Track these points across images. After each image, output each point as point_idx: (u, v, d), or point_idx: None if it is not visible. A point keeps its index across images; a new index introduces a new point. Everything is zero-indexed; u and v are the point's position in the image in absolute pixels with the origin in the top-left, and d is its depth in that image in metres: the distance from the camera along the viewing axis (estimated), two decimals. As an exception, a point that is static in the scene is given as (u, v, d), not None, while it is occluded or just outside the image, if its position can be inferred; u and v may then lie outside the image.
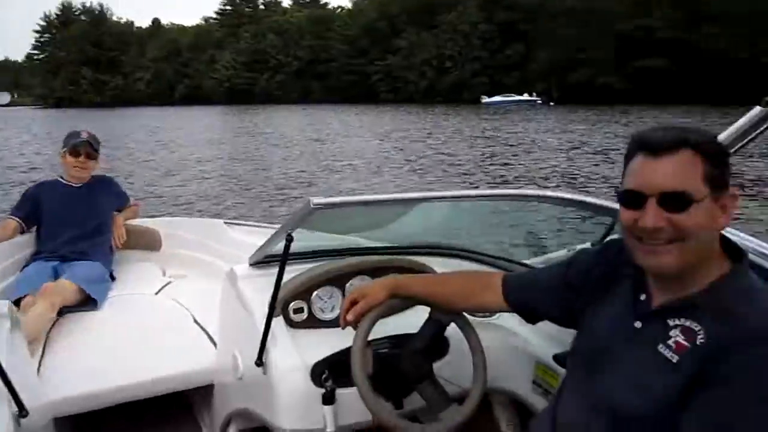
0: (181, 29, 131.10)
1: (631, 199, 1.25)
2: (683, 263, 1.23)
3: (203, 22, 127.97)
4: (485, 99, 68.00)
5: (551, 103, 64.25)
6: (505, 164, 18.38)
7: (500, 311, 1.82)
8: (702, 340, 1.20)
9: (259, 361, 1.90)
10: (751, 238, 1.44)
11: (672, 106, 48.48)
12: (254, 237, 3.41)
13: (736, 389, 1.12)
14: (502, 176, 16.12)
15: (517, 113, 48.46)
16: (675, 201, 1.20)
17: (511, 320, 2.15)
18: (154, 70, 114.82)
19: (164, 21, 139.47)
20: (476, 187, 13.68)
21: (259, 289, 2.08)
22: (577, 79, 66.45)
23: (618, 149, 22.33)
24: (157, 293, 3.55)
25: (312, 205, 1.84)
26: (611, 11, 64.19)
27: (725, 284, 1.25)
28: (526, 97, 67.15)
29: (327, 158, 20.44)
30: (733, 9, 52.00)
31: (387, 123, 39.91)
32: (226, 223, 4.22)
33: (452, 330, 1.86)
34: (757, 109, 1.38)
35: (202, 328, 2.96)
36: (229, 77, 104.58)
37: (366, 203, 2.22)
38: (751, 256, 1.33)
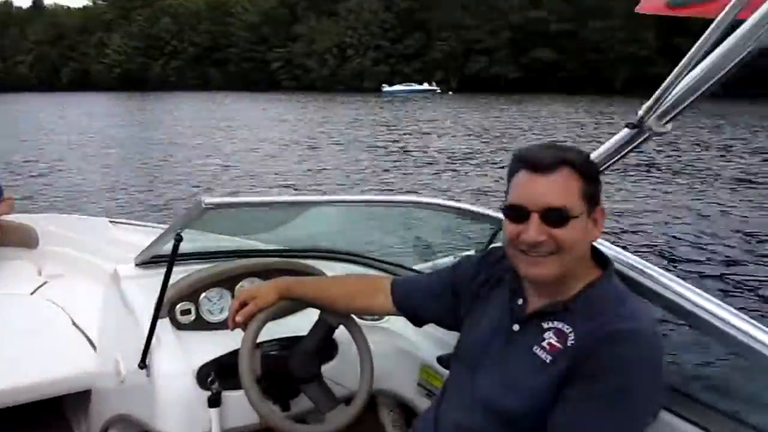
0: (67, 11, 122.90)
1: (515, 213, 1.32)
2: (560, 273, 1.31)
3: (91, 4, 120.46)
4: (386, 87, 68.69)
5: (450, 92, 65.91)
6: (405, 150, 18.68)
7: (388, 314, 1.85)
8: (572, 341, 1.28)
9: (143, 364, 1.83)
10: (616, 248, 1.54)
11: (561, 95, 51.05)
12: (141, 237, 3.25)
13: (599, 384, 1.21)
14: (399, 161, 16.35)
15: (417, 102, 49.30)
16: (556, 217, 1.27)
17: (398, 323, 2.17)
18: (37, 53, 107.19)
19: (47, 1, 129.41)
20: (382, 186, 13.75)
21: (144, 290, 2.00)
22: (474, 69, 68.52)
23: (512, 134, 23.30)
24: (32, 293, 3.31)
25: (203, 205, 1.78)
26: (506, 2, 66.50)
27: (594, 289, 1.33)
28: (426, 86, 68.45)
29: (225, 147, 19.86)
30: (617, 6, 55.29)
31: (288, 111, 39.41)
32: (111, 221, 4.02)
33: (341, 333, 1.86)
34: (625, 131, 1.47)
35: (80, 330, 2.79)
36: (120, 62, 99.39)
37: (259, 205, 2.18)
38: (616, 265, 1.43)
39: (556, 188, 1.28)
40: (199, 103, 50.76)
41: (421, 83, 69.31)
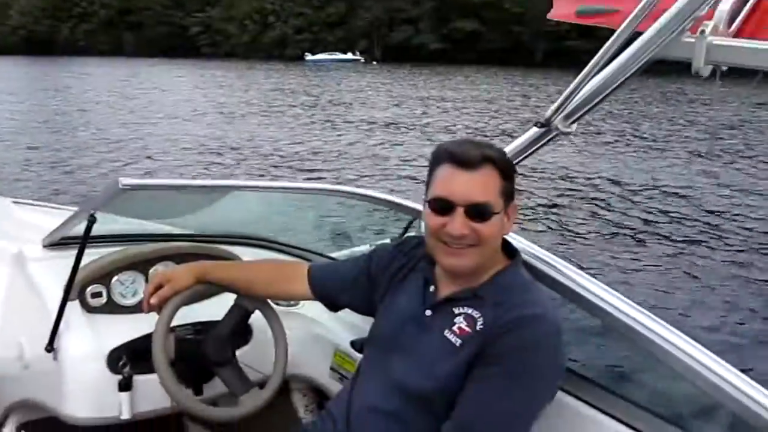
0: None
1: (440, 206, 1.38)
2: (477, 264, 1.40)
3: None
4: (309, 56, 67.45)
5: (374, 62, 65.48)
6: (327, 121, 18.52)
7: (304, 299, 1.87)
8: (481, 326, 1.36)
9: (50, 347, 1.78)
10: (524, 240, 1.62)
11: (484, 66, 51.80)
12: (48, 218, 3.10)
13: (503, 365, 1.29)
14: (320, 131, 16.18)
15: (341, 71, 48.80)
16: (479, 212, 1.35)
17: (312, 309, 2.21)
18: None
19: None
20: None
21: (52, 272, 1.94)
22: (397, 39, 68.22)
23: (436, 105, 23.51)
24: None
25: (120, 186, 1.73)
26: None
27: (502, 278, 1.43)
28: (349, 55, 67.70)
29: (138, 117, 19.00)
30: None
31: (207, 78, 38.08)
32: (14, 202, 3.79)
33: (256, 318, 1.87)
34: (534, 129, 1.55)
35: None
36: (24, 24, 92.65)
37: (176, 188, 2.13)
38: (523, 256, 1.52)
39: (480, 185, 1.36)
40: (112, 69, 48.25)
41: (345, 52, 68.48)
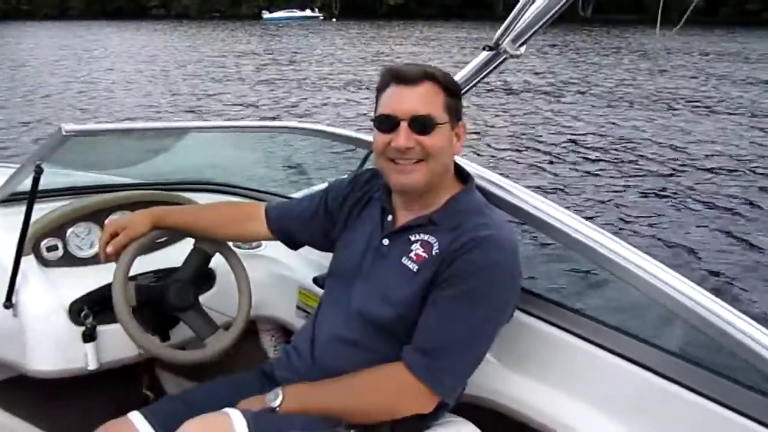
0: None
1: (385, 123, 1.39)
2: (428, 181, 1.40)
3: None
4: (266, 14, 65.83)
5: (333, 19, 64.28)
6: (285, 79, 18.18)
7: (262, 239, 1.86)
8: (437, 250, 1.38)
9: (8, 303, 1.75)
10: (477, 166, 1.63)
11: (444, 21, 51.35)
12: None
13: (459, 286, 1.31)
14: (277, 91, 15.88)
15: (300, 29, 47.80)
16: (422, 123, 1.36)
17: (274, 250, 2.20)
18: None
19: None
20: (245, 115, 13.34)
21: (6, 228, 1.89)
22: (355, -5, 66.97)
23: (400, 60, 23.31)
24: None
25: (64, 132, 1.68)
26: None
27: (456, 202, 1.44)
28: (308, 12, 66.33)
29: (84, 83, 18.19)
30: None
31: (157, 41, 36.84)
32: None
33: (219, 263, 1.86)
34: (483, 53, 1.55)
35: None
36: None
37: (122, 131, 2.07)
38: (477, 181, 1.53)
39: (422, 98, 1.37)
40: (58, 32, 46.26)
41: (303, 9, 67.02)
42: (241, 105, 14.68)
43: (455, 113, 1.42)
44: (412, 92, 1.37)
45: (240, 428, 1.25)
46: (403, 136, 1.36)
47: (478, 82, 1.61)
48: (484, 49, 1.52)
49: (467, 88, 1.61)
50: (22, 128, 11.93)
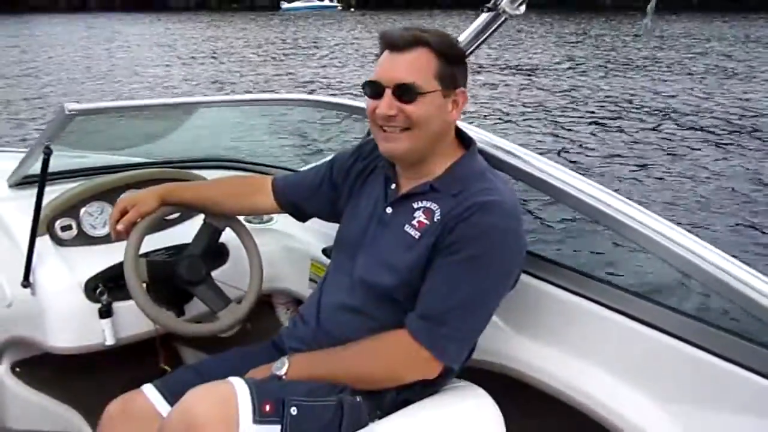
0: None
1: (372, 89, 1.37)
2: (413, 149, 1.38)
3: None
4: (285, 5, 65.87)
5: (351, 9, 64.16)
6: (305, 69, 18.18)
7: (270, 212, 1.88)
8: (438, 217, 1.36)
9: (26, 282, 1.78)
10: (479, 130, 1.60)
11: (458, 11, 51.06)
12: (11, 163, 3.06)
13: (462, 252, 1.30)
14: (303, 83, 15.91)
15: (319, 19, 47.77)
16: (405, 92, 1.33)
17: (286, 224, 2.21)
18: None
19: None
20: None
21: (21, 210, 1.92)
22: (373, -17, 66.71)
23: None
24: None
25: (67, 111, 1.70)
26: None
27: (457, 167, 1.41)
28: (326, 2, 66.24)
29: (103, 73, 18.31)
30: None
31: (174, 33, 36.99)
32: None
33: (231, 238, 1.87)
34: (483, 15, 1.53)
35: None
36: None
37: (127, 109, 2.09)
38: (480, 145, 1.50)
39: (408, 65, 1.33)
40: (78, 24, 46.64)
41: (322, -1, 66.99)
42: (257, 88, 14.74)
43: (450, 80, 1.37)
44: (400, 59, 1.34)
45: (243, 396, 1.25)
46: (385, 103, 1.34)
47: (479, 45, 1.59)
48: (482, 10, 1.50)
49: (468, 51, 1.58)
50: (44, 117, 12.09)
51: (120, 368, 1.96)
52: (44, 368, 2.02)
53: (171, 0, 79.43)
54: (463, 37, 1.55)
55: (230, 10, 67.15)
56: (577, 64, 17.07)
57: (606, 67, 16.01)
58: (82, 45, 27.32)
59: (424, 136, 1.37)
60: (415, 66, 1.33)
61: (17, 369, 2.07)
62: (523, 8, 1.44)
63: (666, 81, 14.17)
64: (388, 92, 1.34)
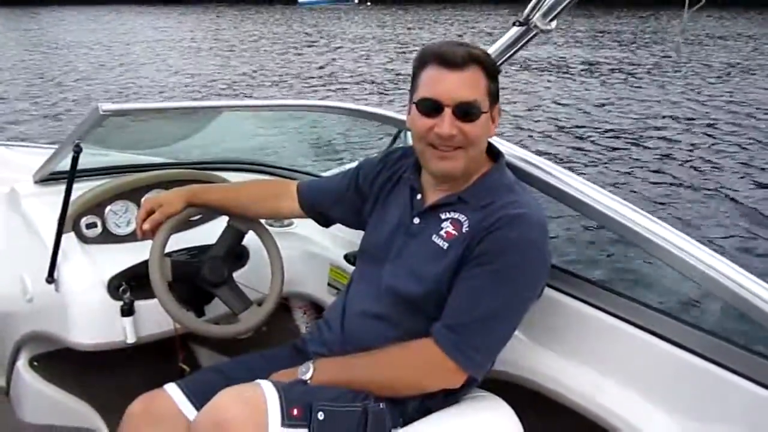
0: None
1: (429, 107, 1.36)
2: (466, 167, 1.40)
3: None
4: (301, -1, 65.69)
5: (368, 3, 63.95)
6: (324, 64, 18.16)
7: (294, 217, 1.89)
8: (467, 228, 1.38)
9: (50, 278, 1.80)
10: (507, 143, 1.62)
11: (472, 4, 50.76)
12: (36, 158, 3.09)
13: (489, 264, 1.32)
14: (322, 80, 15.86)
15: (336, 13, 47.60)
16: (467, 111, 1.34)
17: (306, 229, 2.24)
18: None
19: None
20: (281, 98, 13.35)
21: (46, 206, 1.95)
22: (387, -23, 66.34)
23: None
24: None
25: (101, 111, 1.73)
26: None
27: (486, 180, 1.44)
28: (343, -5, 65.99)
29: (118, 66, 18.27)
30: None
31: (191, 27, 37.03)
32: (2, 144, 3.75)
33: (252, 240, 1.89)
34: (514, 29, 1.54)
35: None
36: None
37: (158, 110, 2.11)
38: (508, 158, 1.52)
39: (468, 84, 1.34)
40: (91, 16, 46.69)
41: (338, -7, 66.74)
42: (277, 86, 14.71)
43: (494, 97, 1.40)
44: (458, 77, 1.33)
45: (272, 398, 1.28)
46: (447, 123, 1.33)
47: (509, 58, 1.60)
48: (514, 24, 1.51)
49: (499, 63, 1.59)
50: (56, 110, 12.08)
51: (137, 366, 1.99)
52: (62, 364, 2.04)
53: (187, -7, 79.34)
54: (492, 50, 1.57)
55: (246, 3, 67.04)
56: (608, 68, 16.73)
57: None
58: (97, 37, 27.38)
59: (475, 153, 1.40)
60: (473, 84, 1.35)
61: (35, 363, 2.09)
62: (554, 24, 1.45)
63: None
64: (448, 111, 1.33)
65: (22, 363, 2.08)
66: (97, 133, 1.89)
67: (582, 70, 15.84)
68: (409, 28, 31.15)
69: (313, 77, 15.89)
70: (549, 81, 14.08)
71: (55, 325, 1.88)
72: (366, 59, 19.08)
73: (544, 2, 1.40)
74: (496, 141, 1.54)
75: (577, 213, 1.50)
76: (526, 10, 1.44)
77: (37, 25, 39.33)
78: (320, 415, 1.29)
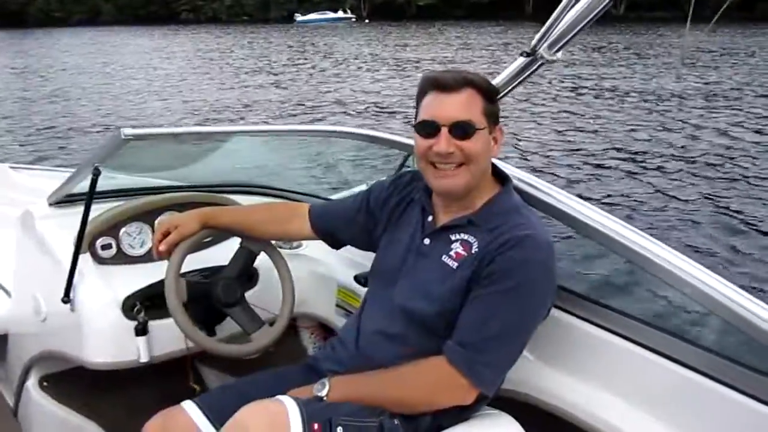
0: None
1: (427, 128, 1.45)
2: (468, 184, 1.46)
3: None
4: (299, 17, 66.02)
5: (366, 20, 64.35)
6: (325, 83, 18.20)
7: (306, 239, 1.93)
8: (476, 249, 1.43)
9: (66, 298, 1.83)
10: (514, 168, 1.67)
11: (473, 22, 51.08)
12: (45, 181, 3.11)
13: (497, 284, 1.37)
14: (324, 101, 15.91)
15: (335, 31, 47.82)
16: (462, 129, 1.42)
17: (315, 251, 2.28)
18: None
19: None
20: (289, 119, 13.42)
21: (61, 228, 1.98)
22: (384, -4, 66.91)
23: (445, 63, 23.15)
24: None
25: (123, 136, 1.76)
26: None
27: (494, 203, 1.50)
28: (341, 14, 66.44)
29: (119, 88, 18.36)
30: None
31: (186, 45, 37.11)
32: (11, 167, 3.81)
33: (262, 261, 1.93)
34: (520, 59, 1.59)
35: None
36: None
37: (179, 135, 2.17)
38: (514, 182, 1.58)
39: (462, 105, 1.43)
40: (90, 38, 46.86)
41: (335, 11, 67.18)
42: (279, 106, 14.72)
43: (493, 117, 1.47)
44: (452, 99, 1.43)
45: (294, 414, 1.32)
46: (444, 141, 1.41)
47: (515, 87, 1.65)
48: (521, 55, 1.56)
49: (504, 92, 1.65)
50: (52, 132, 12.00)
51: (146, 386, 2.01)
52: (72, 383, 2.07)
53: (182, 12, 79.75)
54: (498, 80, 1.62)
55: (242, 23, 67.36)
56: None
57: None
58: (96, 59, 27.34)
59: (477, 171, 1.46)
60: (468, 105, 1.43)
61: (45, 383, 2.11)
62: (560, 55, 1.50)
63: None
64: (444, 130, 1.42)
65: (32, 383, 2.10)
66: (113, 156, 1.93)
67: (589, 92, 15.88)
68: (405, 45, 31.33)
69: (316, 101, 15.78)
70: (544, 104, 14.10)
71: (69, 344, 1.90)
72: (372, 81, 19.08)
73: (551, 33, 1.45)
74: (502, 165, 1.60)
75: (581, 235, 1.55)
76: (533, 42, 1.48)
77: (39, 45, 39.14)
78: (339, 430, 1.33)
